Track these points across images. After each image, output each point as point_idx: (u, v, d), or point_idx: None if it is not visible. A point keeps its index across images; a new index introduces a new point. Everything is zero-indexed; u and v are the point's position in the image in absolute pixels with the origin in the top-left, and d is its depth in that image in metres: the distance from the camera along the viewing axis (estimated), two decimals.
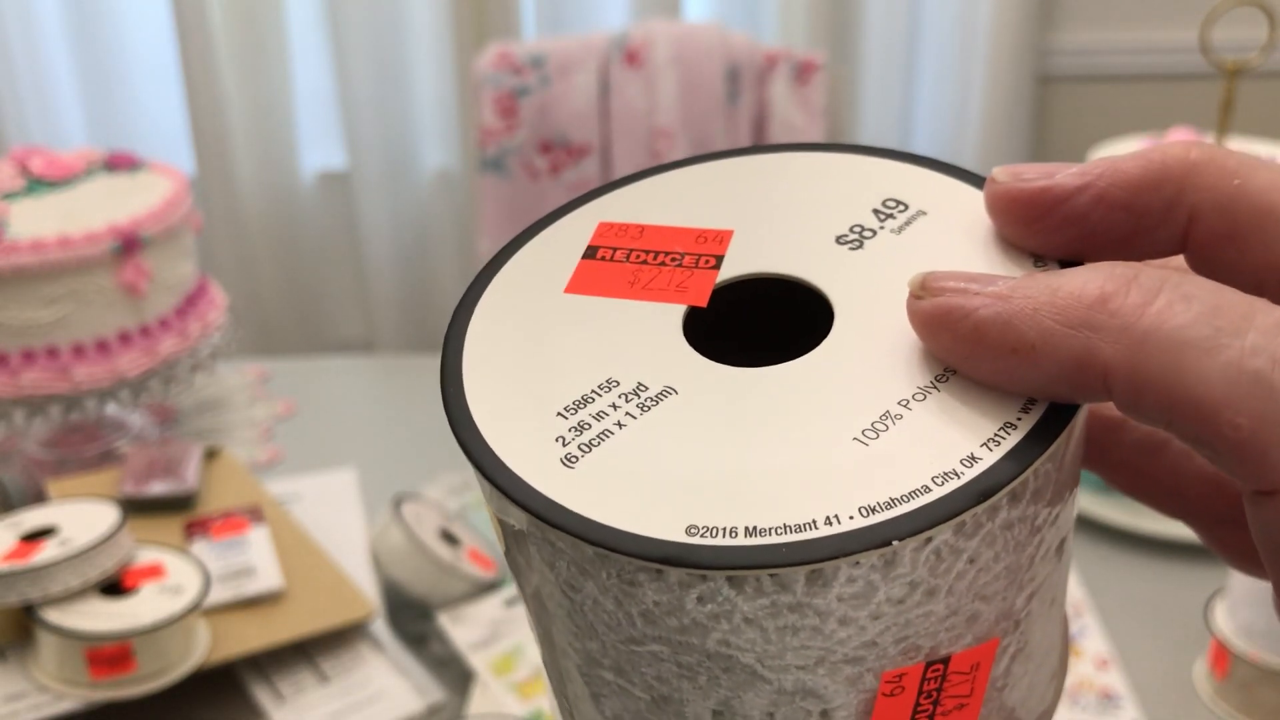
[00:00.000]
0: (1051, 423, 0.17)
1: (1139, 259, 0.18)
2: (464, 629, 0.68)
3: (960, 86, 1.79)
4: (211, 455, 0.84)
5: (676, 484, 0.17)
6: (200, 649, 0.63)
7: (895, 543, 0.15)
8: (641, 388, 0.18)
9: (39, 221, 0.83)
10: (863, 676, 0.17)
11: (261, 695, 0.64)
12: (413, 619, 0.71)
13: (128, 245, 0.83)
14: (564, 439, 0.18)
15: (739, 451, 0.17)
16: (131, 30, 1.77)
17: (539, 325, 0.20)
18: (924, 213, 0.20)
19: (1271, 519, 0.16)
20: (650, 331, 0.19)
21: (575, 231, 0.22)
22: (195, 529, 0.74)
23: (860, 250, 0.20)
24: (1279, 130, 1.26)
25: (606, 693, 0.19)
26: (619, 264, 0.21)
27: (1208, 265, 0.17)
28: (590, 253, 0.21)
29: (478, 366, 0.19)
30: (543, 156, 1.34)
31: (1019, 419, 0.17)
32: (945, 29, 1.78)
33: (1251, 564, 0.21)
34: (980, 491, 0.16)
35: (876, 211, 0.21)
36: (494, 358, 0.19)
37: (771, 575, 0.16)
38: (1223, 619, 0.65)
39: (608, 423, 0.18)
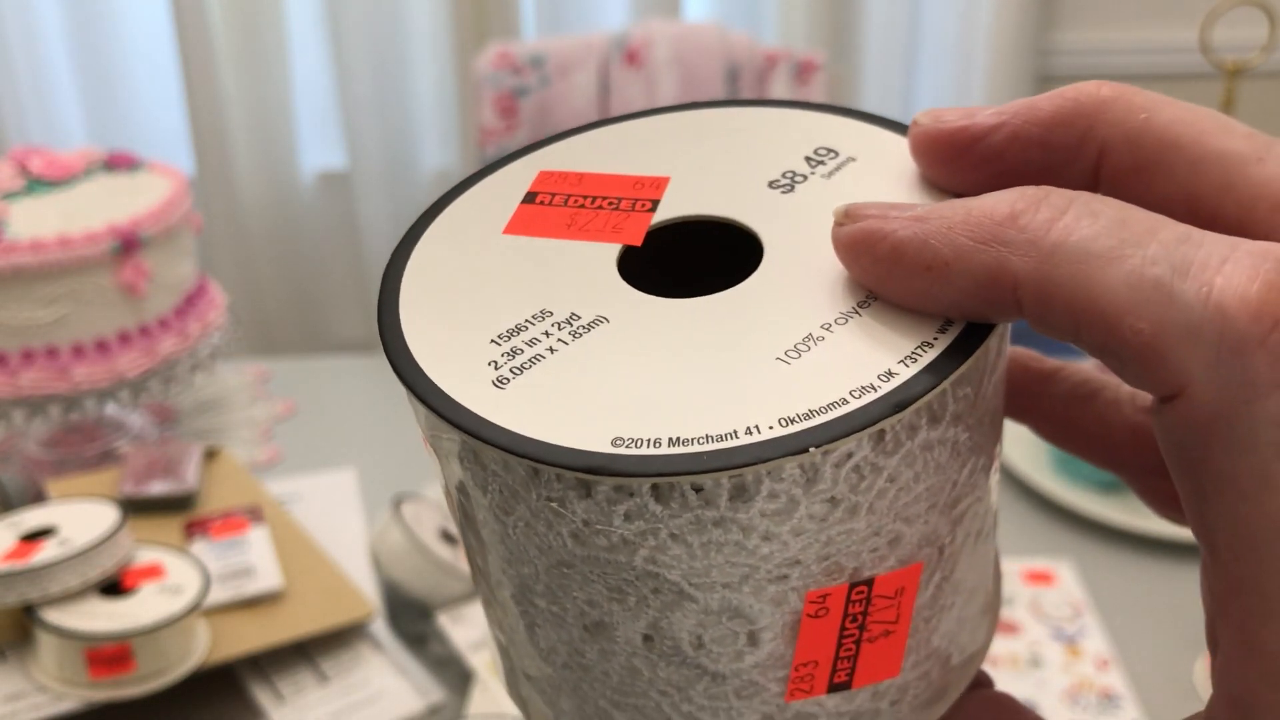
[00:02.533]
0: (967, 341, 0.17)
1: None
2: (464, 629, 0.68)
3: (961, 86, 1.79)
4: (211, 455, 0.84)
5: (604, 401, 0.17)
6: (200, 649, 0.63)
7: (812, 449, 0.16)
8: (575, 317, 0.19)
9: (38, 221, 0.83)
10: (787, 596, 0.17)
11: (261, 695, 0.64)
12: (413, 619, 0.71)
13: (127, 245, 0.83)
14: (496, 363, 0.18)
15: (666, 372, 0.18)
16: (131, 30, 1.77)
17: (476, 261, 0.21)
18: (853, 159, 0.21)
19: (1173, 425, 0.16)
20: (585, 268, 0.20)
21: (516, 179, 0.22)
22: (195, 529, 0.74)
23: (791, 194, 0.21)
24: (1279, 130, 1.26)
25: (541, 622, 0.19)
26: (557, 208, 0.21)
27: (1119, 198, 0.17)
28: (529, 198, 0.22)
29: (414, 299, 0.20)
30: None
31: (936, 338, 0.17)
32: (945, 29, 1.78)
33: (1178, 512, 0.22)
34: (896, 403, 0.16)
35: (808, 159, 0.21)
36: (431, 291, 0.20)
37: (697, 490, 0.16)
38: None
39: (540, 348, 0.18)
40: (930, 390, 0.16)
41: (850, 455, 0.16)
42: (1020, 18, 1.73)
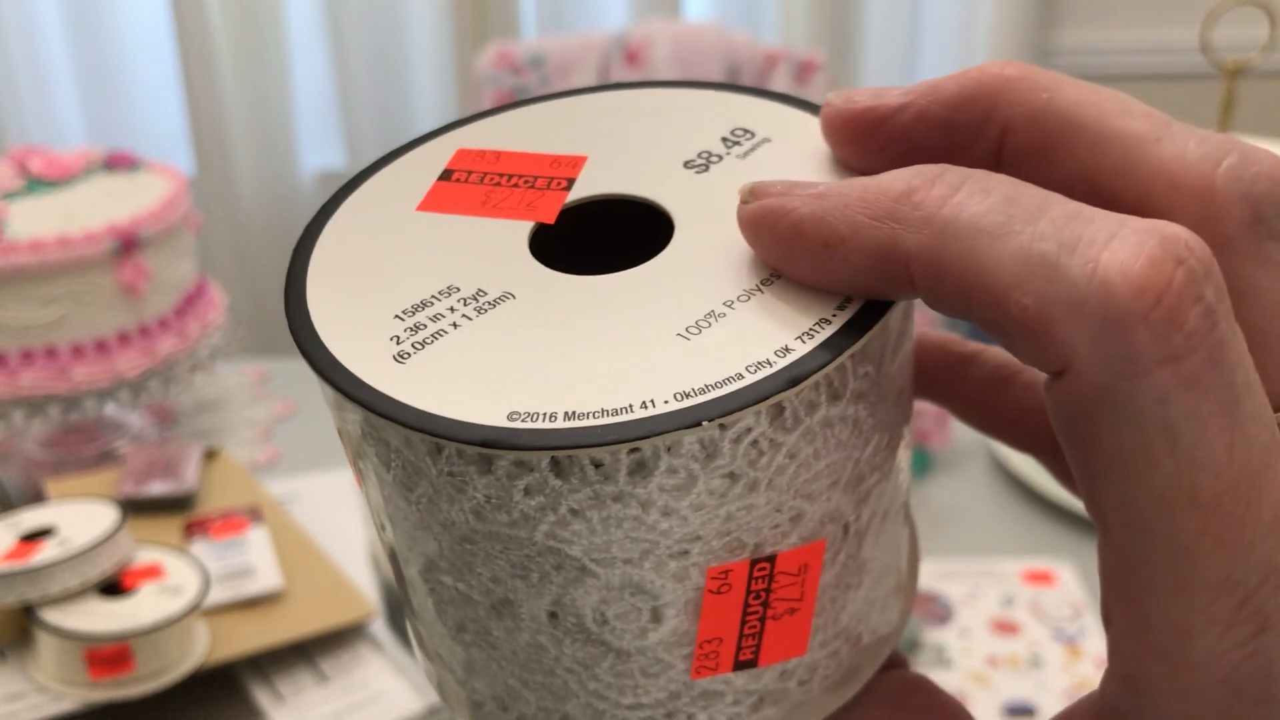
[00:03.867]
0: (865, 318, 0.17)
1: None
2: None
3: None
4: (211, 455, 0.84)
5: (503, 376, 0.17)
6: (199, 649, 0.63)
7: (706, 424, 0.16)
8: (481, 293, 0.19)
9: (38, 221, 0.83)
10: (689, 572, 0.17)
11: (261, 696, 0.64)
12: None
13: (127, 245, 0.83)
14: (399, 338, 0.18)
15: (567, 348, 0.18)
16: (131, 30, 1.77)
17: (386, 238, 0.20)
18: (769, 140, 0.21)
19: (1061, 401, 0.16)
20: (497, 244, 0.20)
21: (432, 157, 0.22)
22: (194, 529, 0.74)
23: (706, 174, 0.21)
24: (1279, 130, 1.26)
25: (448, 599, 0.19)
26: (473, 186, 0.21)
27: (1022, 178, 0.17)
28: (445, 175, 0.22)
29: (322, 275, 0.20)
30: None
31: (834, 315, 0.17)
32: (946, 29, 1.78)
33: None
34: (790, 378, 0.16)
35: (724, 139, 0.22)
36: (339, 268, 0.20)
37: (596, 465, 0.16)
38: None
39: (444, 323, 0.18)
40: (825, 366, 0.17)
41: (749, 430, 0.16)
42: (1020, 17, 1.73)
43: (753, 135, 0.22)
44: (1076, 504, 0.81)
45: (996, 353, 0.24)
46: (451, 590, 0.19)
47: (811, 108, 0.22)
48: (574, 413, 0.16)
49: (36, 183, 0.88)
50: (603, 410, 0.16)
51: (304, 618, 0.67)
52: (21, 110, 1.75)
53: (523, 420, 0.16)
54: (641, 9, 1.72)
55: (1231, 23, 0.83)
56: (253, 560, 0.71)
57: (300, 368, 1.08)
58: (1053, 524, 0.82)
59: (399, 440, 0.17)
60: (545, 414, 0.16)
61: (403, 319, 0.18)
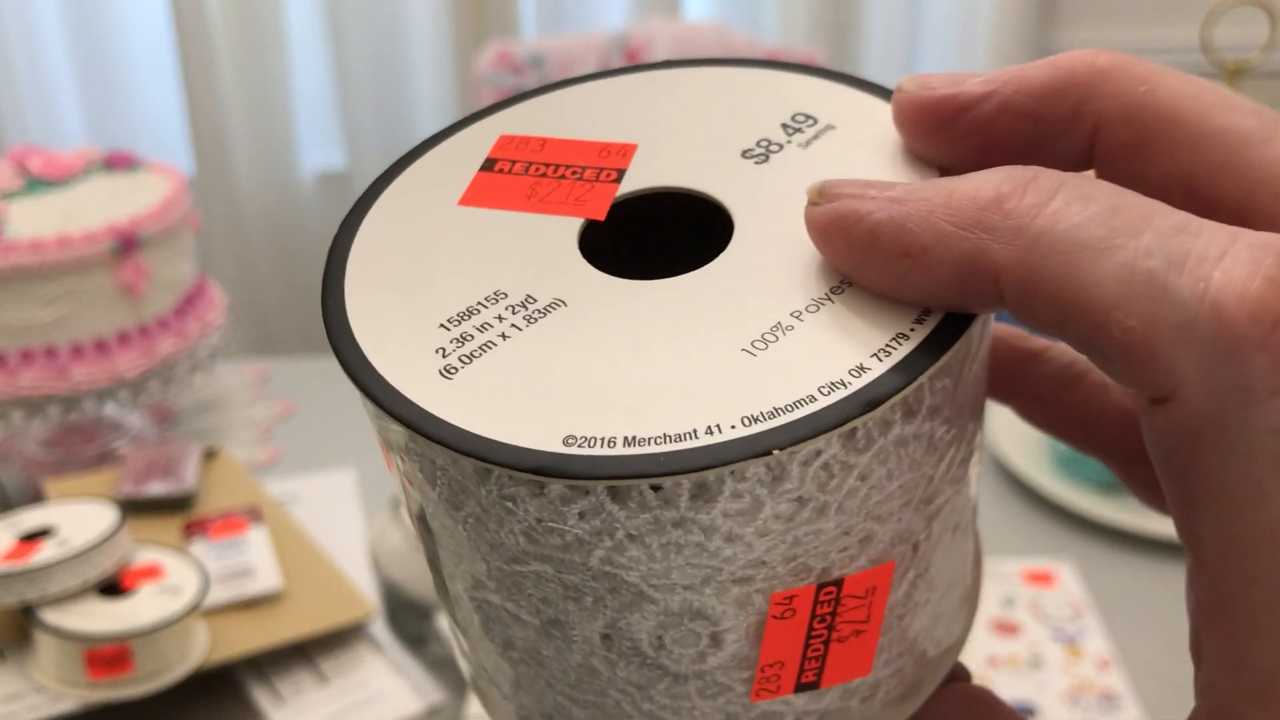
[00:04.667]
0: (945, 333, 0.16)
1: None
2: None
3: None
4: (210, 455, 0.84)
5: (556, 395, 0.16)
6: (199, 650, 0.63)
7: (776, 452, 0.15)
8: (530, 300, 0.18)
9: (37, 221, 0.83)
10: (752, 598, 0.16)
11: (260, 696, 0.64)
12: (412, 619, 0.71)
13: (126, 245, 0.83)
14: (444, 350, 0.17)
15: (623, 363, 0.16)
16: (130, 29, 1.76)
17: (428, 237, 0.19)
18: (833, 127, 0.20)
19: (1162, 428, 0.15)
20: (544, 244, 0.19)
21: (474, 144, 0.21)
22: (194, 529, 0.74)
23: (765, 164, 0.19)
24: None
25: (495, 617, 0.18)
26: (517, 177, 0.20)
27: (1115, 176, 0.16)
28: (488, 165, 0.20)
29: (361, 279, 0.19)
30: None
31: (912, 330, 0.16)
32: (946, 28, 1.78)
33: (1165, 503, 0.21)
34: (866, 401, 0.15)
35: (785, 126, 0.20)
36: (379, 270, 0.19)
37: (655, 489, 0.15)
38: None
39: (491, 334, 0.17)
40: (903, 388, 0.15)
41: (819, 454, 0.15)
42: (1021, 17, 1.72)
43: (815, 122, 0.20)
44: (1077, 504, 0.81)
45: (1064, 350, 0.23)
46: (499, 609, 0.18)
47: (881, 91, 0.20)
48: (634, 438, 0.15)
49: (36, 182, 0.88)
50: (665, 435, 0.15)
51: (304, 618, 0.67)
52: (21, 110, 1.75)
53: (579, 445, 0.15)
54: (641, 9, 1.72)
55: (1232, 22, 0.83)
56: (252, 560, 0.71)
57: (300, 368, 1.08)
58: (1053, 524, 0.82)
59: (445, 460, 0.16)
60: (603, 439, 0.15)
61: (448, 328, 0.17)
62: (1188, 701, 0.20)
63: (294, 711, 0.63)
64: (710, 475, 0.15)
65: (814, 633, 0.17)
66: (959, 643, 0.21)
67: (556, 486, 0.16)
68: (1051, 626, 0.72)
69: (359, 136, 1.78)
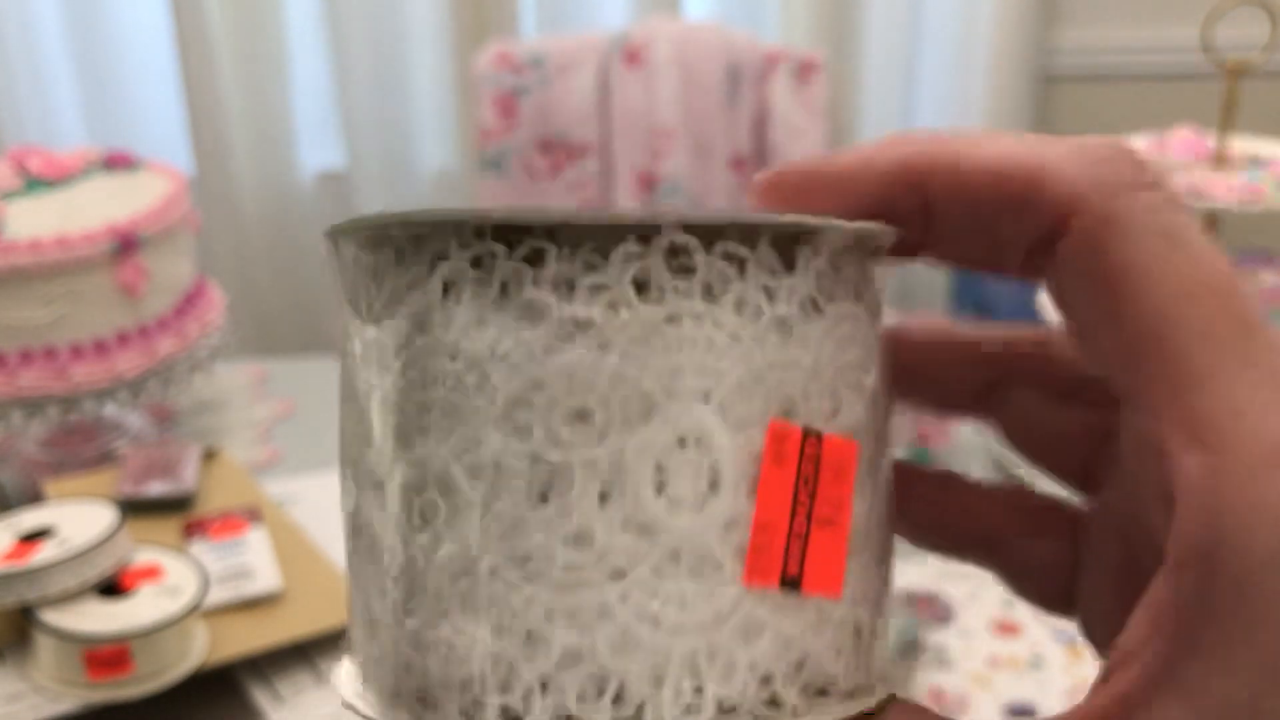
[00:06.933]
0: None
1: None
2: None
3: (962, 86, 1.79)
4: (210, 456, 0.83)
5: None
6: (199, 650, 0.63)
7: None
8: None
9: (37, 221, 0.82)
10: (751, 419, 0.18)
11: (260, 696, 0.64)
12: None
13: (126, 245, 0.83)
14: None
15: None
16: (130, 29, 1.76)
17: None
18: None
19: (1068, 256, 0.18)
20: None
21: None
22: (193, 530, 0.74)
23: None
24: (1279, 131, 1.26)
25: (461, 512, 0.17)
26: None
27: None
28: None
29: None
30: (542, 156, 1.34)
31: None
32: (946, 28, 1.78)
33: (1060, 601, 0.24)
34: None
35: None
36: None
37: (680, 271, 0.17)
38: None
39: None
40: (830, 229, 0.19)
41: (796, 289, 0.18)
42: (1021, 16, 1.72)
43: None
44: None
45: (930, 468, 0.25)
46: (468, 497, 0.17)
47: None
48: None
49: (35, 182, 0.88)
50: None
51: (303, 618, 0.67)
52: (20, 110, 1.75)
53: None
54: (641, 9, 1.72)
55: (1232, 22, 0.83)
56: (252, 561, 0.71)
57: (300, 368, 1.08)
58: None
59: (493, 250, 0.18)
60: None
61: None
62: None
63: (294, 711, 0.63)
64: (715, 272, 0.17)
65: (799, 500, 0.18)
66: (835, 682, 0.19)
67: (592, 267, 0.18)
68: (1052, 627, 0.72)
69: (359, 136, 1.78)
